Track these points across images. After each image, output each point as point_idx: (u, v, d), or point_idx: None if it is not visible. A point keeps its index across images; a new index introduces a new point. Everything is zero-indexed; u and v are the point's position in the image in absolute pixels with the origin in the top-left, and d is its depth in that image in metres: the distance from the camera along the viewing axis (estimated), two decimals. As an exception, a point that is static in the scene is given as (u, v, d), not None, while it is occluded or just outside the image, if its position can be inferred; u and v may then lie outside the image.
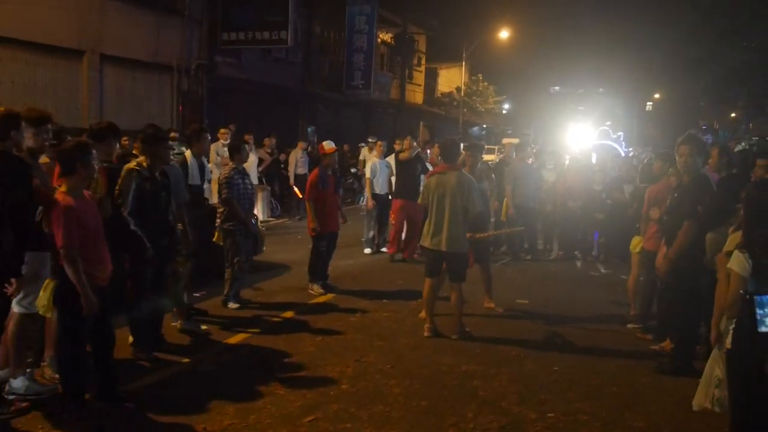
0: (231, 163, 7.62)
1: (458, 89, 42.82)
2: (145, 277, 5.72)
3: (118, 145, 5.97)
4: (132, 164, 5.71)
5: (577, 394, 5.40)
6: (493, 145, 39.84)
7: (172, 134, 12.44)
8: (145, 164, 5.71)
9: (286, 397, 5.10)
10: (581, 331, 7.25)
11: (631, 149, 20.11)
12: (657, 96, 69.74)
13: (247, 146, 12.64)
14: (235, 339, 6.52)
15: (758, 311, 2.90)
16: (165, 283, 6.10)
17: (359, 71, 29.40)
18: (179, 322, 6.56)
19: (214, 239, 7.55)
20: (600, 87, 61.44)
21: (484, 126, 51.05)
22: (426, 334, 6.76)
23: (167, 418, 4.69)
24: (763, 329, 2.94)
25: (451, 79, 44.27)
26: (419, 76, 40.43)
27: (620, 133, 20.90)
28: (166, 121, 21.36)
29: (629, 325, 7.44)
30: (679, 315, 5.97)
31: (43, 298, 4.46)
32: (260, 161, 14.99)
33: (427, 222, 6.82)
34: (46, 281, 4.55)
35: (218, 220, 7.53)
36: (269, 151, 16.87)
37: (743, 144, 38.05)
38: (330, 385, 5.37)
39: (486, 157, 36.10)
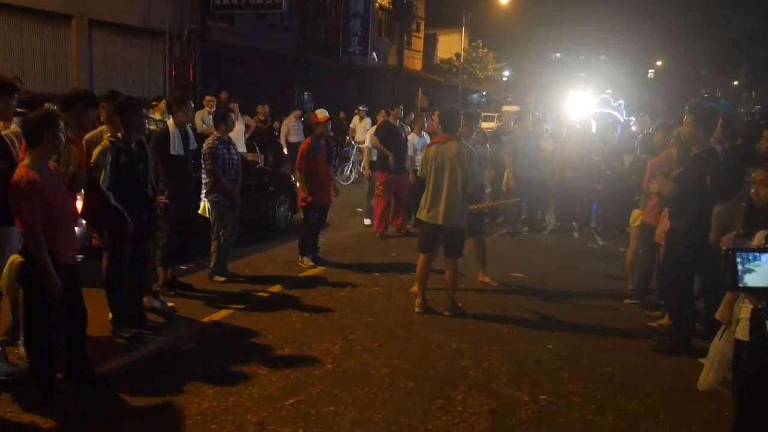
0: (216, 133, 7.34)
1: (458, 56, 42.19)
2: (124, 252, 5.50)
3: (94, 114, 5.66)
4: (106, 137, 5.44)
5: (570, 375, 5.21)
6: (493, 113, 39.46)
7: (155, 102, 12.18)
8: (119, 135, 5.44)
9: (268, 377, 4.90)
10: (577, 307, 7.05)
11: (632, 118, 19.75)
12: (659, 63, 69.10)
13: (232, 114, 12.47)
14: (219, 315, 6.30)
15: (739, 267, 2.74)
16: (145, 258, 5.88)
17: (356, 37, 28.87)
18: (145, 299, 6.19)
19: (200, 211, 7.31)
20: (601, 54, 60.77)
21: (484, 93, 50.54)
22: (417, 310, 6.56)
23: (142, 401, 4.50)
24: (742, 285, 2.76)
25: (450, 45, 43.59)
26: (418, 42, 39.86)
27: (621, 102, 20.52)
28: (158, 88, 20.98)
29: (626, 301, 7.25)
30: (678, 291, 5.76)
31: (5, 277, 4.22)
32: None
33: (424, 194, 6.58)
34: (11, 258, 4.30)
35: (203, 192, 7.28)
36: (262, 118, 16.52)
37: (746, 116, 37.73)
38: (315, 365, 5.17)
39: (485, 124, 35.82)
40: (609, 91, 27.22)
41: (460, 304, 6.65)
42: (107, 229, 5.46)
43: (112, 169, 5.36)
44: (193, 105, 11.52)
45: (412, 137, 10.59)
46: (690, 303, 5.79)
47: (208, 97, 11.67)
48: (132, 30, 18.67)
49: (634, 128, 14.56)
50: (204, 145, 7.28)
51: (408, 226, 10.78)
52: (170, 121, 6.83)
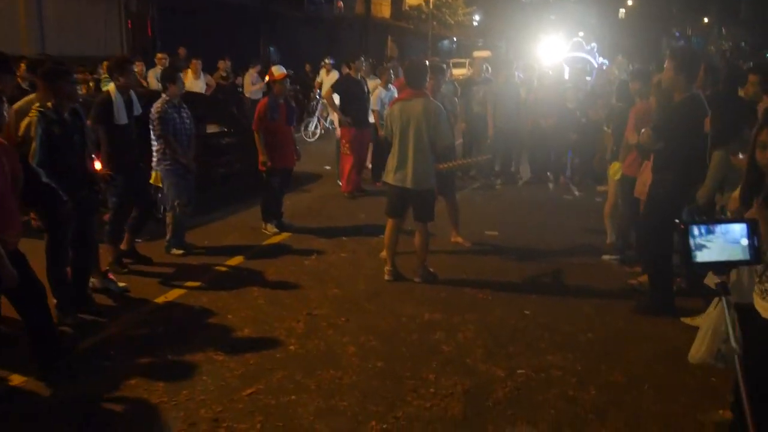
0: (164, 95, 6.80)
1: (427, 1, 41.17)
2: (64, 233, 5.04)
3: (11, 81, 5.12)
4: (34, 107, 4.92)
5: (549, 344, 4.91)
6: (464, 59, 38.71)
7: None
8: (49, 105, 4.92)
9: (225, 364, 4.53)
10: (554, 266, 6.75)
11: (605, 61, 19.31)
12: (630, 3, 68.34)
13: (190, 72, 11.85)
14: (175, 294, 5.89)
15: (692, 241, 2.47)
16: (89, 238, 5.42)
17: (321, -15, 27.89)
18: (94, 280, 5.76)
19: (151, 181, 6.83)
20: (572, -6, 59.89)
21: (455, 39, 49.62)
22: (386, 277, 6.21)
23: (82, 399, 4.11)
24: (698, 260, 2.49)
25: (418, -10, 42.53)
26: (385, -11, 38.74)
27: (594, 44, 20.03)
28: (115, 46, 20.09)
29: (605, 257, 6.96)
30: (658, 247, 5.45)
31: None
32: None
33: (390, 155, 6.14)
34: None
35: (154, 160, 6.79)
36: (224, 74, 15.83)
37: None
38: (276, 347, 4.81)
39: (456, 71, 35.15)
40: (581, 33, 26.67)
41: (431, 270, 6.32)
42: (42, 209, 4.98)
43: (43, 143, 4.86)
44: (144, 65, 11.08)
45: (378, 91, 10.09)
46: (669, 260, 5.49)
47: (159, 55, 11.00)
48: (84, -14, 17.72)
49: (608, 71, 14.15)
50: (152, 109, 6.75)
51: (377, 183, 10.37)
52: (111, 87, 6.29)
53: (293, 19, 28.22)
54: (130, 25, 20.27)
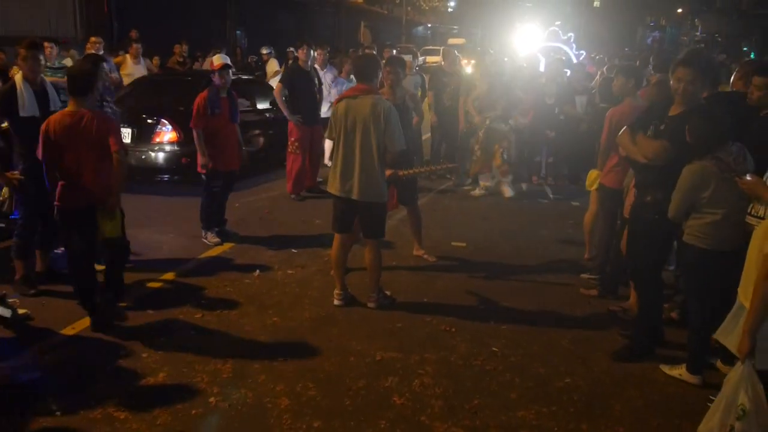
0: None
1: (401, -14, 40.27)
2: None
3: None
4: None
5: (520, 393, 4.15)
6: (438, 46, 37.88)
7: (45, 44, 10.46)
8: None
9: (126, 425, 3.70)
10: (527, 286, 6.00)
11: (582, 51, 18.60)
12: (605, -9, 67.96)
13: (129, 57, 10.84)
14: (86, 322, 5.01)
15: None
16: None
17: (290, -34, 26.79)
18: None
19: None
20: (549, -18, 59.33)
21: (429, 26, 48.82)
22: (335, 302, 5.41)
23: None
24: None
25: (393, -25, 41.56)
26: (358, -28, 37.72)
27: (571, 34, 19.32)
28: (68, 28, 18.96)
29: (583, 276, 6.23)
30: (646, 285, 4.70)
31: None
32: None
33: (333, 161, 5.30)
34: None
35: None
36: (180, 59, 14.80)
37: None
38: (194, 399, 3.99)
39: (430, 59, 34.31)
40: (558, 23, 25.95)
41: (387, 293, 5.54)
42: None
43: None
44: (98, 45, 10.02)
45: (339, 84, 9.26)
46: (660, 302, 4.78)
47: (93, 38, 9.96)
48: (32, -42, 16.57)
49: (587, 66, 13.36)
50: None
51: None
52: (18, 76, 5.40)
53: (262, 2, 27.16)
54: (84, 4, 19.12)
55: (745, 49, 31.50)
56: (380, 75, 5.39)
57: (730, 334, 3.47)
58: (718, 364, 4.45)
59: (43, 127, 4.74)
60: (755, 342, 3.17)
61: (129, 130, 8.67)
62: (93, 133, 4.69)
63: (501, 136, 8.90)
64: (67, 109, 4.82)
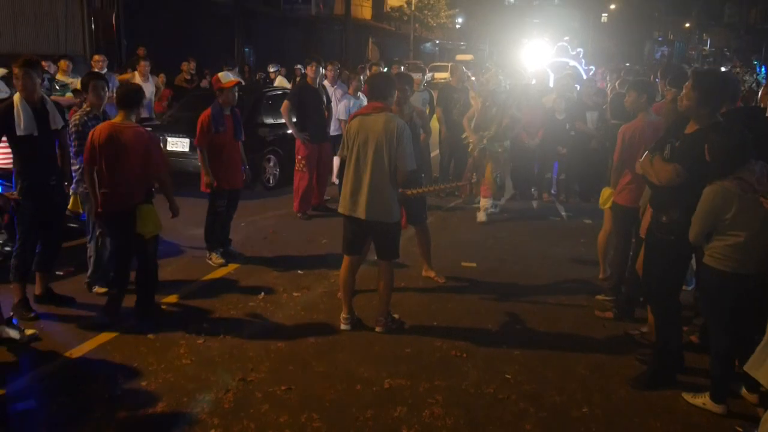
0: (85, 106, 5.79)
1: (408, 3, 40.36)
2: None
3: None
4: None
5: (535, 425, 3.96)
6: (446, 62, 37.91)
7: (61, 62, 10.43)
8: None
9: (122, 459, 3.54)
10: (540, 309, 5.81)
11: (592, 67, 18.48)
12: (612, 7, 68.13)
13: (138, 74, 10.77)
14: (89, 345, 4.85)
15: None
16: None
17: (298, -16, 26.90)
18: None
19: (69, 207, 5.80)
20: (555, -2, 59.50)
21: (437, 42, 48.90)
22: (342, 326, 5.24)
23: None
24: None
25: (400, -8, 41.70)
26: (366, -10, 37.84)
27: (580, 49, 19.21)
28: (77, 45, 19.02)
29: (598, 297, 6.03)
30: (663, 310, 4.50)
31: None
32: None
33: (344, 179, 5.15)
34: None
35: (74, 182, 5.77)
36: (188, 77, 14.77)
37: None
38: (194, 428, 3.82)
39: (438, 75, 34.25)
40: (567, 38, 25.87)
41: (396, 316, 5.36)
42: None
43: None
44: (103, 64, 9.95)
45: (345, 101, 9.13)
46: (678, 327, 4.58)
47: (96, 57, 9.88)
48: (41, -20, 16.65)
49: (597, 82, 13.22)
50: (70, 122, 5.75)
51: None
52: (17, 96, 5.29)
53: (270, 18, 27.21)
54: (93, 23, 19.17)
55: (755, 63, 31.29)
56: (395, 94, 5.26)
57: (761, 367, 3.28)
58: (744, 392, 4.25)
59: (90, 134, 5.22)
60: None
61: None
62: (135, 145, 5.16)
63: (494, 158, 8.41)
64: (115, 119, 5.31)
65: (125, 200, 5.19)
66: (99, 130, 5.18)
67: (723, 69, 19.40)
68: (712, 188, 3.93)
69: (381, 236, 5.11)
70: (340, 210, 5.16)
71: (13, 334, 4.90)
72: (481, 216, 8.62)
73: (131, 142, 5.14)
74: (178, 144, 9.76)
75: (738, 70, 14.33)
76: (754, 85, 18.60)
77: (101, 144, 5.11)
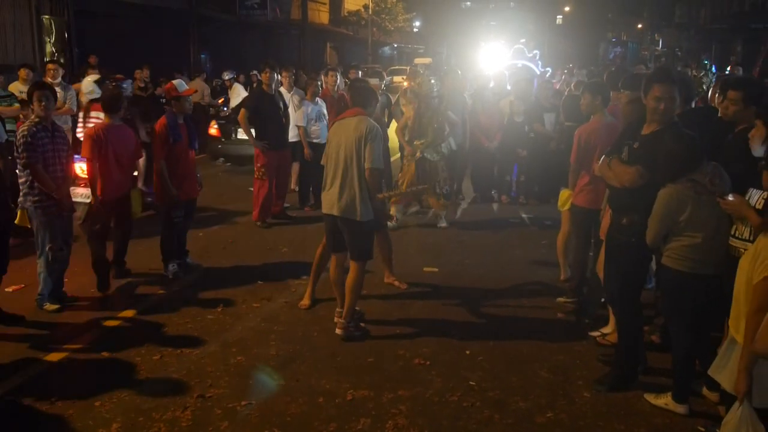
0: (33, 116, 5.60)
1: (366, 7, 40.32)
2: None
3: None
4: None
5: (500, 431, 3.92)
6: (405, 65, 37.96)
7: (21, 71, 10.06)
8: None
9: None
10: (502, 312, 5.80)
11: (548, 69, 18.67)
12: (567, 9, 69.15)
13: (89, 81, 10.47)
14: (33, 370, 4.67)
15: None
16: None
17: (254, -11, 26.60)
18: None
19: (16, 221, 5.61)
20: (511, 1, 60.08)
21: (396, 45, 48.98)
22: (336, 319, 5.36)
23: None
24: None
25: (357, -4, 41.67)
26: (323, -6, 37.70)
27: (536, 51, 19.40)
28: (26, 53, 18.51)
29: (559, 299, 6.04)
30: (625, 311, 4.52)
31: None
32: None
33: (323, 181, 5.30)
34: None
35: (20, 195, 5.58)
36: (142, 85, 14.46)
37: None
38: (150, 452, 3.70)
39: (398, 79, 34.23)
40: (523, 40, 26.11)
41: (363, 324, 5.32)
42: None
43: None
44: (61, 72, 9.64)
45: (304, 107, 9.02)
46: (639, 327, 4.61)
47: (50, 65, 9.59)
48: (-14, -15, 16.16)
49: (555, 83, 13.33)
50: (18, 133, 5.56)
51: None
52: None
53: (225, 24, 26.86)
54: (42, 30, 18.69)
55: (705, 62, 31.99)
56: (374, 103, 5.44)
57: (723, 369, 3.29)
58: (704, 391, 4.27)
59: (92, 132, 6.03)
60: (752, 379, 2.98)
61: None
62: (129, 141, 6.28)
63: (434, 170, 8.20)
64: (104, 122, 6.19)
65: (121, 187, 6.23)
66: (101, 129, 6.05)
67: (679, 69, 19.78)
68: (666, 191, 3.94)
69: (350, 234, 5.20)
70: (322, 209, 5.33)
71: None
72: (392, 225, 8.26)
73: (125, 139, 6.22)
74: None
75: (694, 72, 14.51)
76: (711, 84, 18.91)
77: (102, 141, 5.94)
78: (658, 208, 3.96)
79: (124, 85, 9.09)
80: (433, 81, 8.59)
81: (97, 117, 7.80)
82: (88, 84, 9.22)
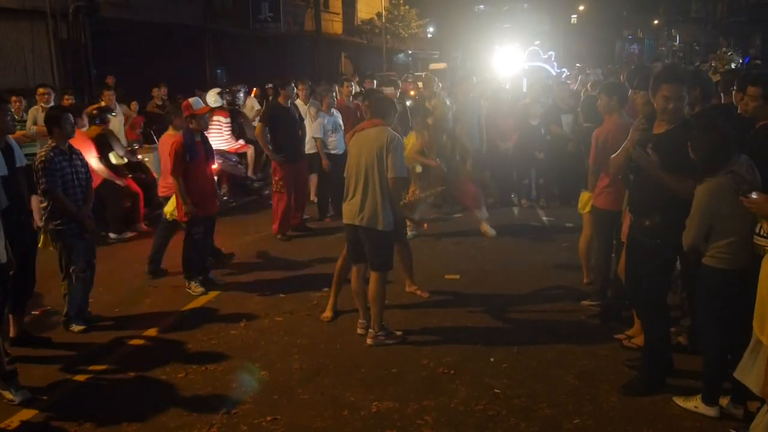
0: (50, 141, 5.67)
1: (379, 15, 40.43)
2: None
3: None
4: None
5: (528, 440, 3.89)
6: (420, 72, 37.97)
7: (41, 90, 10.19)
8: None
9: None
10: (525, 317, 5.77)
11: (564, 69, 18.57)
12: (581, 8, 68.81)
13: (103, 105, 10.60)
14: (64, 390, 4.72)
15: None
16: None
17: (266, 3, 26.84)
18: None
19: (39, 245, 5.67)
20: (524, 3, 59.85)
21: (410, 52, 49.00)
22: (359, 331, 5.47)
23: None
24: None
25: (370, 5, 41.78)
26: (336, 4, 37.86)
27: (551, 53, 19.32)
28: (46, 76, 18.78)
29: (584, 303, 5.98)
30: (650, 313, 4.45)
31: None
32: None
33: (345, 192, 5.35)
34: None
35: (42, 219, 5.65)
36: (159, 103, 14.61)
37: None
38: (177, 470, 3.71)
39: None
40: (538, 42, 26.00)
41: (399, 333, 5.40)
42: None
43: None
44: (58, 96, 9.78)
45: (320, 119, 9.05)
46: (668, 318, 4.54)
47: (41, 90, 9.66)
48: (5, 12, 16.43)
49: (570, 83, 13.25)
50: (36, 158, 5.63)
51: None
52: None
53: (240, 39, 27.09)
54: (62, 54, 18.97)
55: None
56: (393, 114, 5.45)
57: (750, 372, 3.22)
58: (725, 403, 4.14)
59: (176, 147, 6.38)
60: None
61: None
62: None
63: (436, 180, 7.93)
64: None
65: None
66: (180, 142, 6.36)
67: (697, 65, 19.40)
68: (706, 186, 3.83)
69: (370, 244, 5.22)
70: (344, 220, 5.37)
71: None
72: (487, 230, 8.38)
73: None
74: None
75: (724, 49, 13.91)
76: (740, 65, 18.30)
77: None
78: (699, 205, 3.85)
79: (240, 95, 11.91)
80: (448, 102, 8.56)
81: (218, 121, 10.12)
82: (212, 95, 10.72)
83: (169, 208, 6.81)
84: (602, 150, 5.46)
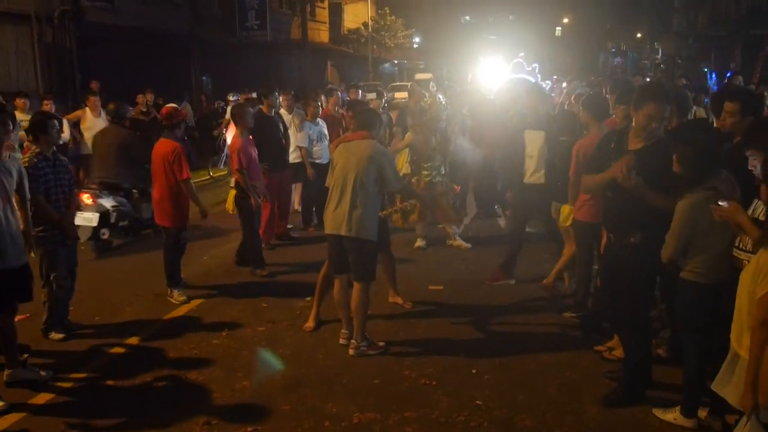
0: (34, 147, 5.64)
1: (365, 25, 40.57)
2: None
3: None
4: None
5: (508, 452, 3.90)
6: (406, 82, 38.10)
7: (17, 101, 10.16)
8: None
9: None
10: (507, 330, 5.78)
11: (547, 82, 18.71)
12: (566, 21, 69.50)
13: (89, 111, 10.57)
14: (43, 398, 4.67)
15: None
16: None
17: (253, 10, 26.88)
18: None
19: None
20: (510, 14, 60.36)
21: (396, 62, 49.17)
22: (341, 341, 5.45)
23: None
24: None
25: (357, 14, 41.94)
26: (322, 13, 37.93)
27: (535, 65, 19.47)
28: (29, 80, 18.64)
29: (565, 314, 6.02)
30: (630, 329, 4.50)
31: None
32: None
33: (327, 201, 5.36)
34: None
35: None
36: (144, 109, 14.54)
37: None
38: (156, 481, 3.69)
39: (399, 95, 34.35)
40: (522, 54, 26.16)
41: (381, 344, 5.40)
42: None
43: None
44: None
45: (305, 128, 9.05)
46: (650, 333, 4.58)
47: (19, 100, 9.63)
48: (-13, 15, 16.33)
49: (555, 96, 13.37)
50: (20, 164, 5.57)
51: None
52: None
53: (226, 46, 27.04)
54: (47, 58, 18.86)
55: (705, 69, 31.98)
56: (379, 126, 5.53)
57: (728, 384, 3.26)
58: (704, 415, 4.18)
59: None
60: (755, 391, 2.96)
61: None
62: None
63: (441, 189, 8.13)
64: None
65: None
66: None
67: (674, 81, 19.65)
68: (686, 201, 3.86)
69: (355, 253, 5.23)
70: (325, 230, 5.38)
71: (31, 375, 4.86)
72: (420, 242, 8.41)
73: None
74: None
75: (684, 81, 14.17)
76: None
77: None
78: (679, 221, 3.88)
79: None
80: (443, 101, 8.62)
81: None
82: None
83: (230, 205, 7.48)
84: (582, 163, 5.51)
